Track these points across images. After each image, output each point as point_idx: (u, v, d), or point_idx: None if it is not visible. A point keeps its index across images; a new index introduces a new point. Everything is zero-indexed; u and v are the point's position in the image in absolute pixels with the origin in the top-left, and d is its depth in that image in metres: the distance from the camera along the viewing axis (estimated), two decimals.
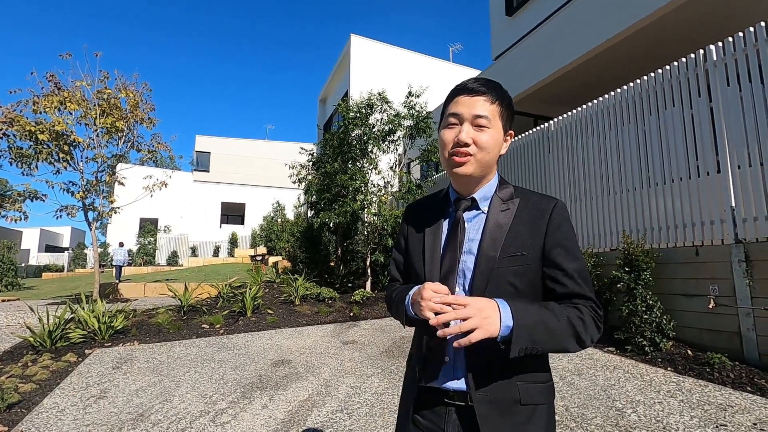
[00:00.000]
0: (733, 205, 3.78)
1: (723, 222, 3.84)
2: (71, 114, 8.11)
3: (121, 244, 16.90)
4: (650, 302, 3.94)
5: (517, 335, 0.84)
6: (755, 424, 2.54)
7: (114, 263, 16.23)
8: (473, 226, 1.03)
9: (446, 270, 1.00)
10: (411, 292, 1.01)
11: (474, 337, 0.82)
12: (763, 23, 3.62)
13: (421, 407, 1.02)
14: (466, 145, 0.96)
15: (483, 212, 1.03)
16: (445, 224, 1.08)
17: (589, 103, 5.41)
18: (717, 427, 2.55)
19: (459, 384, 0.95)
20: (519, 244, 0.97)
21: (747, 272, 3.56)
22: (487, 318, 0.84)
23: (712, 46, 4.03)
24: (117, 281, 14.02)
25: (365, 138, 8.14)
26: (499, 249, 0.97)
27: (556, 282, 0.96)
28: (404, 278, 1.19)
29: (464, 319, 0.83)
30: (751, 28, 3.70)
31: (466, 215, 1.05)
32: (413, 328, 1.14)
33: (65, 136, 7.95)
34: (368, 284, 8.08)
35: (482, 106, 0.97)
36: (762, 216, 3.55)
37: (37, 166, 8.05)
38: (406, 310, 1.02)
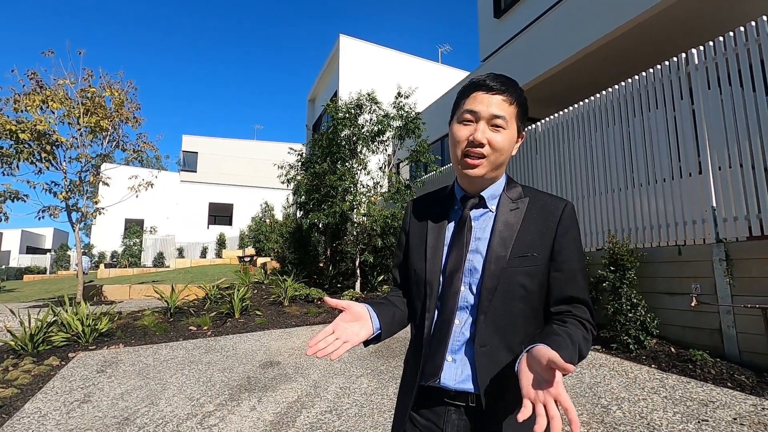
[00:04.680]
0: (714, 205, 3.87)
1: (705, 222, 3.93)
2: (54, 113, 7.93)
3: (84, 253, 19.45)
4: (635, 301, 4.02)
5: None
6: (735, 419, 2.61)
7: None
8: (480, 224, 1.01)
9: (452, 268, 0.98)
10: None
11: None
12: (742, 28, 3.72)
13: (419, 406, 1.00)
14: (481, 145, 0.94)
15: (491, 211, 1.01)
16: (450, 222, 1.05)
17: (576, 105, 5.49)
18: (699, 422, 2.60)
19: (462, 384, 0.93)
20: (529, 245, 0.95)
21: (727, 271, 3.65)
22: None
23: (694, 50, 4.13)
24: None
25: (354, 138, 8.13)
26: (509, 249, 0.95)
27: (561, 285, 0.96)
28: (402, 276, 1.16)
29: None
30: (731, 33, 3.80)
31: (473, 213, 1.02)
32: (408, 329, 1.13)
33: (47, 136, 7.77)
34: (357, 285, 8.07)
35: (500, 106, 0.94)
36: (742, 216, 3.64)
37: (18, 166, 7.85)
38: None
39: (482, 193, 1.02)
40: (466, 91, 1.00)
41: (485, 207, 1.02)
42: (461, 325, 0.97)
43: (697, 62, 4.10)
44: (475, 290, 0.96)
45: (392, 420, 1.11)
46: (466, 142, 0.95)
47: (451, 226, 1.05)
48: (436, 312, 0.99)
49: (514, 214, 0.99)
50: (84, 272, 16.79)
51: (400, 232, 1.20)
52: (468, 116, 0.96)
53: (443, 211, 1.08)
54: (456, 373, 0.95)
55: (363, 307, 0.99)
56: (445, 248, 1.02)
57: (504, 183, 1.04)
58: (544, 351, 0.74)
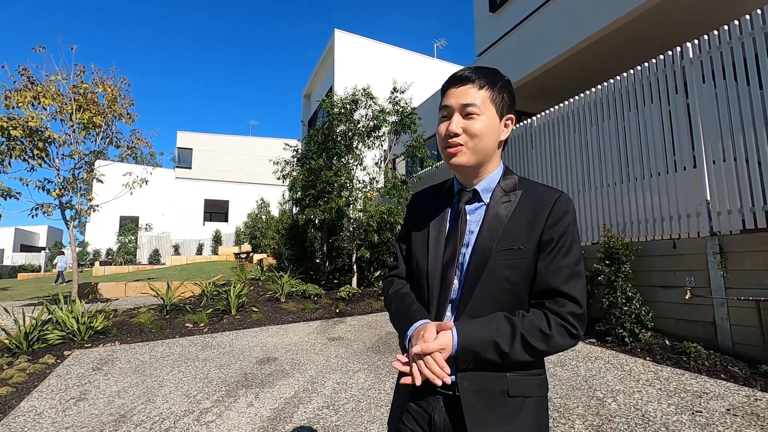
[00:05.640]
0: (709, 198, 3.89)
1: (699, 215, 3.96)
2: (45, 109, 7.85)
3: (62, 252, 21.15)
4: (630, 294, 4.04)
5: (460, 358, 0.92)
6: (728, 410, 2.64)
7: (57, 269, 18.55)
8: (474, 218, 1.02)
9: (446, 262, 1.01)
10: (412, 329, 0.98)
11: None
12: (737, 22, 3.73)
13: (413, 395, 1.04)
14: (456, 135, 0.97)
15: (485, 204, 1.02)
16: (449, 215, 1.07)
17: (571, 100, 5.49)
18: (693, 413, 2.63)
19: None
20: (516, 238, 0.95)
21: (721, 264, 3.68)
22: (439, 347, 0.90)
23: (688, 44, 4.13)
24: (63, 283, 16.79)
25: (350, 134, 8.10)
26: (495, 242, 0.95)
27: (542, 277, 0.94)
28: (406, 265, 1.17)
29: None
30: (726, 27, 3.81)
31: (469, 207, 1.04)
32: None
33: (40, 132, 7.70)
34: (354, 280, 8.08)
35: (469, 93, 0.97)
36: (735, 209, 3.67)
37: (10, 163, 7.77)
38: (404, 342, 1.01)
39: (476, 186, 1.03)
40: (442, 89, 1.04)
41: (480, 200, 1.03)
42: (451, 317, 1.00)
43: (691, 56, 4.10)
44: (462, 283, 0.99)
45: (389, 410, 1.14)
46: (444, 135, 0.99)
47: (449, 219, 1.07)
48: (437, 303, 1.02)
49: (505, 207, 0.99)
50: (61, 271, 17.27)
51: (404, 223, 1.22)
52: (444, 112, 1.01)
53: (444, 205, 1.10)
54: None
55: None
56: (443, 242, 1.04)
57: (500, 175, 1.04)
58: (430, 326, 0.94)
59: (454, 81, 1.00)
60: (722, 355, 3.51)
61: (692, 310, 3.90)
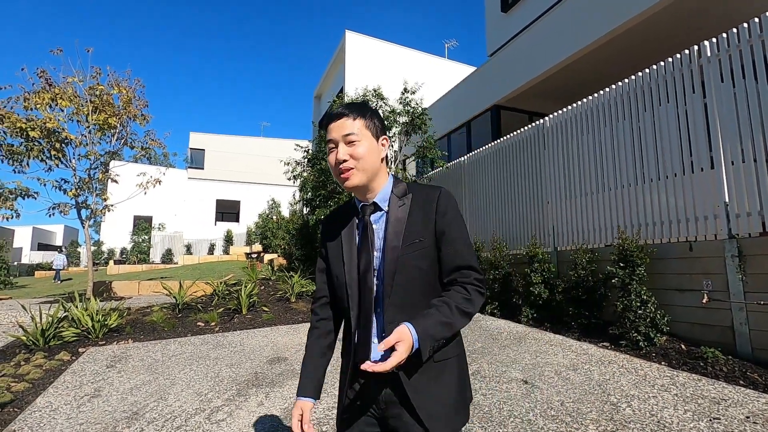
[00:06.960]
0: (727, 200, 3.80)
1: (716, 217, 3.87)
2: (63, 111, 8.01)
3: (60, 251, 21.62)
4: (644, 297, 3.96)
5: (422, 347, 1.02)
6: (748, 417, 2.56)
7: (54, 267, 18.77)
8: (379, 225, 1.19)
9: (364, 269, 1.15)
10: (295, 400, 1.23)
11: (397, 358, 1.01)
12: (757, 19, 3.64)
13: (354, 379, 1.19)
14: (345, 161, 1.13)
15: (385, 211, 1.19)
16: (358, 229, 1.22)
17: (584, 100, 5.42)
18: (711, 420, 2.57)
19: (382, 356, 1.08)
20: (416, 233, 1.14)
21: (740, 267, 3.59)
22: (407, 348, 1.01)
23: (706, 42, 4.04)
24: (59, 281, 17.01)
25: None
26: (401, 239, 1.13)
27: (447, 259, 1.15)
28: (328, 284, 1.31)
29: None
30: (746, 24, 3.72)
31: (373, 217, 1.20)
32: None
33: (57, 133, 7.85)
34: None
35: (347, 125, 1.14)
36: (755, 211, 3.57)
37: (28, 164, 7.94)
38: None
39: (375, 199, 1.20)
40: (323, 128, 1.20)
41: (381, 209, 1.20)
42: (381, 312, 1.14)
43: (709, 54, 4.01)
44: (380, 280, 1.14)
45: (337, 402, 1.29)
46: (335, 163, 1.15)
47: (359, 232, 1.22)
48: (359, 308, 1.15)
49: (402, 210, 1.17)
50: (58, 270, 17.71)
51: (320, 246, 1.37)
52: (330, 145, 1.17)
53: (350, 221, 1.25)
54: (379, 351, 1.08)
55: (309, 406, 1.23)
56: (356, 253, 1.19)
57: (391, 184, 1.22)
58: (392, 336, 1.02)
59: (332, 117, 1.16)
60: (741, 361, 3.42)
61: (709, 314, 3.81)
